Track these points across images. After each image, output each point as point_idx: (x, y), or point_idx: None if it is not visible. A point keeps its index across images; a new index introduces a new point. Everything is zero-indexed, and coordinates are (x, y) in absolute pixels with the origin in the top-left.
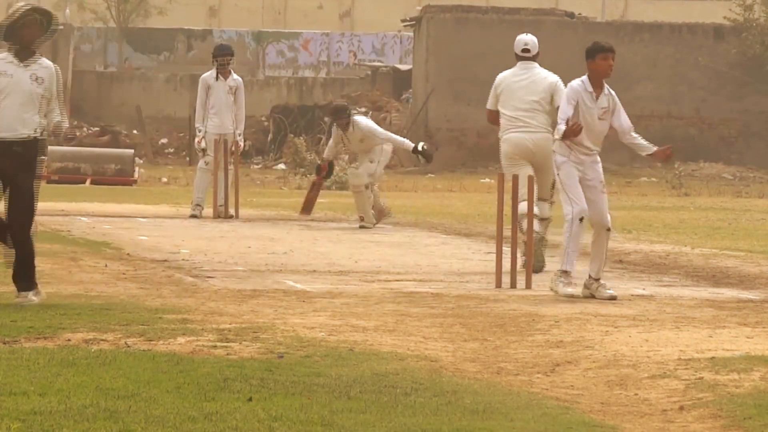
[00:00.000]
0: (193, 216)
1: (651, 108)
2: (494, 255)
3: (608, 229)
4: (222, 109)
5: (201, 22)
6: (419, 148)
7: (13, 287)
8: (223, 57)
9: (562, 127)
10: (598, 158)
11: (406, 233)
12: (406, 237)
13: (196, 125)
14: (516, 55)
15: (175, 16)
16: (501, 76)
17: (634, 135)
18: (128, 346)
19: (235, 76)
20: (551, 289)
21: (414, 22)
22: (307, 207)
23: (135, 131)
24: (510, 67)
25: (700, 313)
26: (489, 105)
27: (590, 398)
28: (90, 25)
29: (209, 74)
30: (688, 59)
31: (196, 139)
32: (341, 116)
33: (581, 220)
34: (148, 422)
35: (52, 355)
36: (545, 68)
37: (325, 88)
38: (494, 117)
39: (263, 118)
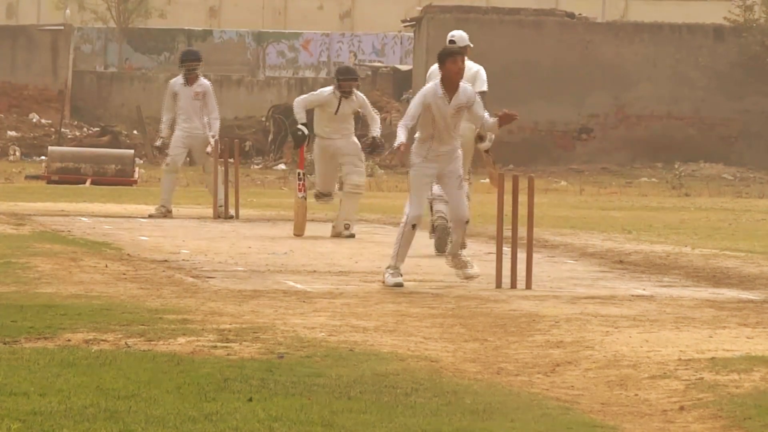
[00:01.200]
0: (151, 216)
1: (651, 108)
2: (494, 255)
3: (466, 222)
4: (190, 114)
5: (201, 22)
6: (376, 139)
7: (14, 287)
8: (190, 63)
9: (401, 136)
10: (459, 152)
11: None
12: None
13: (161, 127)
14: None
15: (176, 16)
16: (434, 67)
17: (487, 120)
18: (128, 347)
19: (202, 80)
20: (382, 283)
21: (414, 23)
22: (300, 227)
23: (135, 131)
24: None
25: (700, 314)
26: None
27: (590, 398)
28: (90, 26)
29: (176, 80)
30: (688, 59)
31: (158, 142)
32: (352, 78)
33: (413, 227)
34: (149, 422)
35: (52, 356)
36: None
37: None
38: None
39: (263, 119)
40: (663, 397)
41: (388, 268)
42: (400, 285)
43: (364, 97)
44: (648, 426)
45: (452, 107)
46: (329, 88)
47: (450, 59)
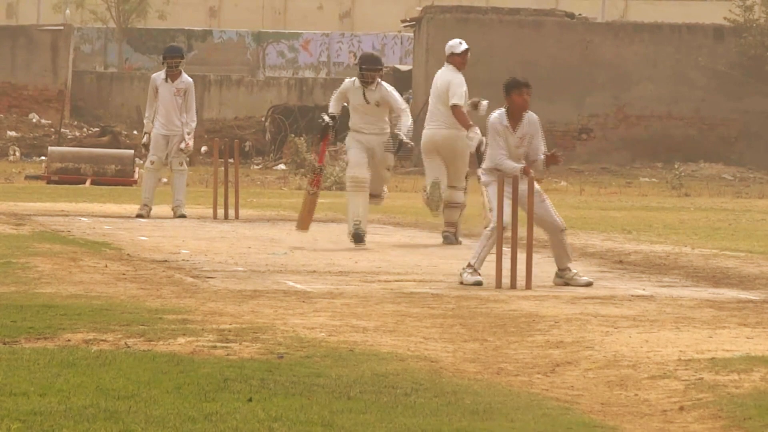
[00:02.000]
0: (139, 216)
1: (651, 108)
2: (494, 255)
3: (562, 230)
4: (169, 111)
5: (201, 22)
6: (404, 139)
7: (14, 287)
8: (172, 59)
9: (514, 166)
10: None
11: (406, 233)
12: (406, 237)
13: (144, 122)
14: None
15: (175, 16)
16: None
17: (539, 160)
18: (128, 347)
19: (184, 77)
20: (460, 283)
21: (414, 23)
22: (304, 221)
23: (135, 131)
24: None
25: (700, 314)
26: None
27: (590, 399)
28: (90, 26)
29: (158, 75)
30: (688, 59)
31: (144, 138)
32: (376, 66)
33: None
34: (148, 423)
35: (52, 356)
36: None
37: (325, 89)
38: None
39: (263, 119)
40: (663, 397)
41: (467, 267)
42: (479, 284)
43: (390, 88)
44: (648, 426)
45: (517, 137)
46: (352, 78)
47: (516, 91)
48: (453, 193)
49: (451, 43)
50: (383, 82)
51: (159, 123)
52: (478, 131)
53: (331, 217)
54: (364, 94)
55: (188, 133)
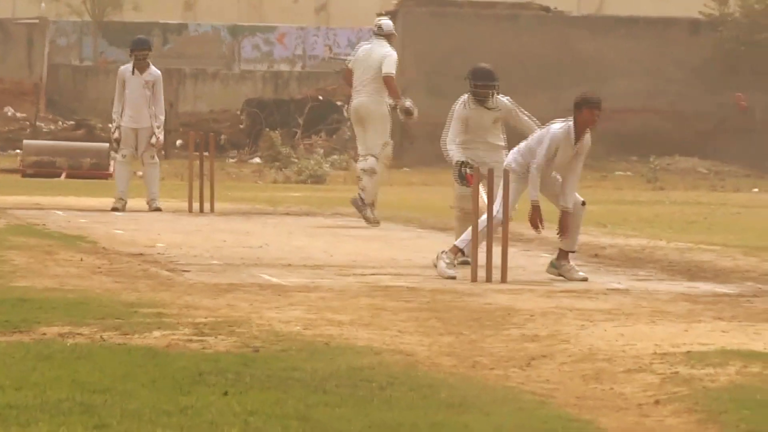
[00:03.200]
0: (115, 209)
1: (627, 102)
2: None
3: (582, 203)
4: (138, 103)
5: (176, 15)
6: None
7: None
8: (140, 51)
9: (535, 180)
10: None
11: (382, 227)
12: (382, 231)
13: (113, 116)
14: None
15: (151, 9)
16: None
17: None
18: (104, 340)
19: (153, 69)
20: (434, 265)
21: (390, 16)
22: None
23: (110, 125)
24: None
25: (675, 307)
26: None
27: (566, 392)
28: (65, 19)
29: (126, 67)
30: (664, 54)
31: (112, 132)
32: (490, 81)
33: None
34: (124, 416)
35: (27, 349)
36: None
37: (300, 82)
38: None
39: (238, 112)
40: (638, 390)
41: (448, 252)
42: (453, 278)
43: (509, 102)
44: (623, 420)
45: (575, 151)
46: (461, 100)
47: (588, 108)
48: (368, 160)
49: (387, 22)
50: (500, 97)
51: (128, 116)
52: (410, 101)
53: (306, 210)
54: (476, 113)
55: (158, 127)
